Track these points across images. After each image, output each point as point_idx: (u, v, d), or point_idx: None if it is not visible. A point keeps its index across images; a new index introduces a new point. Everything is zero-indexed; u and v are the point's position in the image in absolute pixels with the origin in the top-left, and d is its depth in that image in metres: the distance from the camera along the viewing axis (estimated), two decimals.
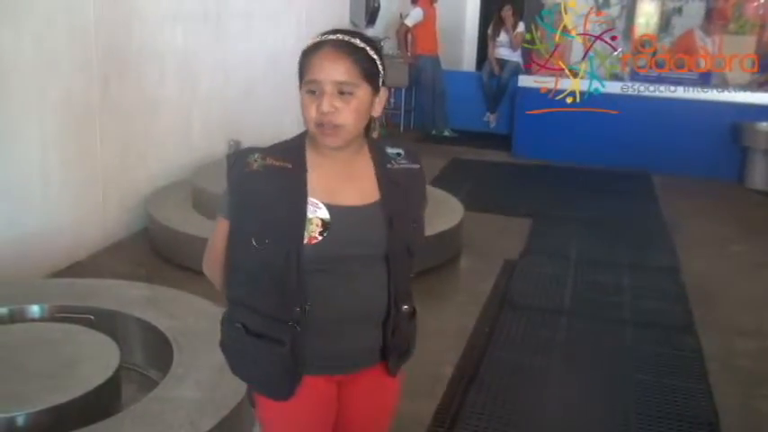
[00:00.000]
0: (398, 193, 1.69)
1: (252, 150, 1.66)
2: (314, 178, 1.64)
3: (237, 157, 1.66)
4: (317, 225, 1.60)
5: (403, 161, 1.73)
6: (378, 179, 1.69)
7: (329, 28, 1.66)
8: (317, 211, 1.61)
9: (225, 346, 1.76)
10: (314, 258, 1.60)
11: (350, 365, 1.74)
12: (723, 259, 5.28)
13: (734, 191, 7.29)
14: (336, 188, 1.65)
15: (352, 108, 1.59)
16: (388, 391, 1.84)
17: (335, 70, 1.57)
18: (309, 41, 1.63)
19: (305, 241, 1.59)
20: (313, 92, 1.58)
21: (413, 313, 1.79)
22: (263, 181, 1.61)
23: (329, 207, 1.62)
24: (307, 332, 1.63)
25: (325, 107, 1.56)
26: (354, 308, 1.67)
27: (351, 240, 1.63)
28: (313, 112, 1.58)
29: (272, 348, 1.63)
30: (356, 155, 1.69)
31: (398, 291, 1.70)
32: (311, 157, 1.66)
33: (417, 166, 1.76)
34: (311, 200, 1.62)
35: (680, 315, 4.21)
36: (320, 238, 1.60)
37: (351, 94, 1.58)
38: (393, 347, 1.73)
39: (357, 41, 1.61)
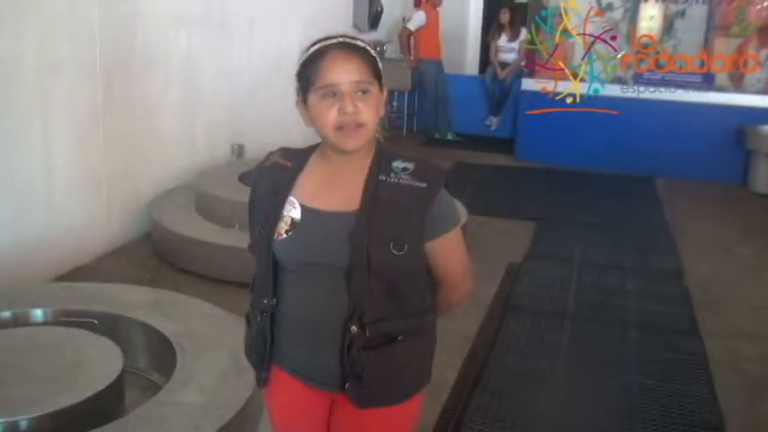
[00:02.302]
0: (380, 208, 1.57)
1: (279, 149, 1.76)
2: (304, 179, 1.67)
3: (267, 155, 1.76)
4: (286, 223, 1.63)
5: (406, 177, 1.60)
6: (363, 190, 1.60)
7: (332, 31, 1.66)
8: (292, 210, 1.64)
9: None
10: (280, 256, 1.64)
11: (320, 380, 1.68)
12: (727, 263, 5.27)
13: (738, 194, 7.29)
14: (321, 191, 1.64)
15: (372, 106, 1.58)
16: (376, 427, 1.72)
17: (350, 71, 1.55)
18: (309, 49, 1.61)
19: (275, 237, 1.63)
20: (330, 95, 1.56)
21: (385, 343, 1.61)
22: (266, 176, 1.72)
23: (304, 208, 1.63)
24: (276, 327, 1.68)
25: (350, 108, 1.54)
26: (312, 317, 1.63)
27: (312, 245, 1.61)
28: (333, 116, 1.55)
29: (249, 332, 1.76)
30: (356, 161, 1.63)
31: (355, 313, 1.57)
32: (314, 160, 1.69)
33: (423, 185, 1.59)
34: (290, 198, 1.65)
35: (684, 319, 4.20)
36: (285, 235, 1.63)
37: (368, 92, 1.58)
38: (349, 374, 1.60)
39: (359, 42, 1.62)
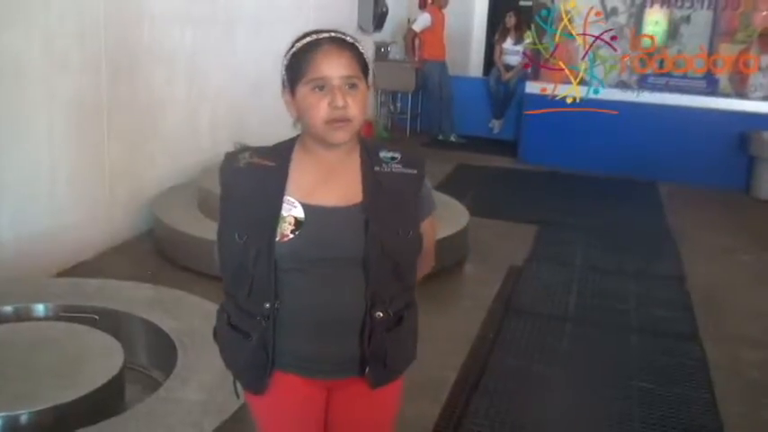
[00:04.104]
0: (383, 197, 1.64)
1: (244, 149, 1.70)
2: (295, 177, 1.65)
3: (230, 155, 1.70)
4: (290, 223, 1.61)
5: (397, 165, 1.67)
6: (362, 181, 1.65)
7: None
8: (292, 210, 1.62)
9: (215, 332, 1.82)
10: (286, 256, 1.61)
11: (328, 371, 1.71)
12: (729, 268, 5.27)
13: (740, 200, 7.28)
14: (317, 188, 1.64)
15: (359, 101, 1.60)
16: (377, 405, 1.79)
17: (341, 65, 1.58)
18: (301, 41, 1.62)
19: (277, 239, 1.60)
20: (320, 88, 1.58)
21: (397, 322, 1.70)
22: (245, 178, 1.66)
23: (305, 206, 1.62)
24: (279, 329, 1.65)
25: (340, 102, 1.56)
26: (327, 311, 1.64)
27: (324, 241, 1.61)
28: (323, 109, 1.57)
29: (243, 341, 1.69)
30: (346, 155, 1.67)
31: (376, 298, 1.64)
32: (298, 157, 1.68)
33: (413, 171, 1.69)
34: (287, 198, 1.63)
35: (685, 324, 4.20)
36: (292, 236, 1.60)
37: (356, 87, 1.60)
38: (370, 358, 1.67)
39: (348, 38, 1.64)
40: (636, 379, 3.51)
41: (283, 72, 1.65)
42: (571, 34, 6.28)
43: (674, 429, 3.11)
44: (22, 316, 3.10)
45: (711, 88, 7.89)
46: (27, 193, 4.17)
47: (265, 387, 1.71)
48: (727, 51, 7.84)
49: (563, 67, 6.42)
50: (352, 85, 1.59)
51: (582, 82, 6.34)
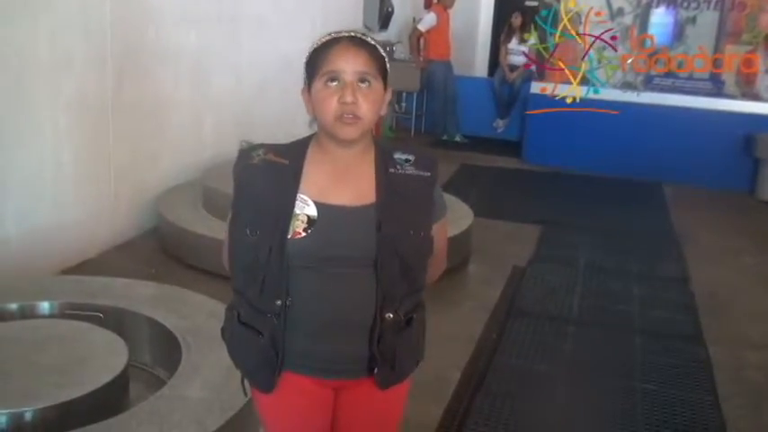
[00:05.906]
0: (396, 198, 1.65)
1: (259, 146, 1.71)
2: (309, 175, 1.66)
3: (244, 151, 1.71)
4: (303, 221, 1.61)
5: (410, 168, 1.68)
6: (376, 182, 1.66)
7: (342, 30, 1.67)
8: (305, 208, 1.62)
9: (223, 331, 1.83)
10: (297, 254, 1.61)
11: (337, 371, 1.71)
12: (733, 270, 5.26)
13: (745, 202, 7.27)
14: (331, 187, 1.65)
15: (371, 100, 1.60)
16: (384, 406, 1.79)
17: (357, 61, 1.58)
18: (320, 40, 1.64)
19: (289, 236, 1.61)
20: (332, 82, 1.58)
21: (407, 323, 1.71)
22: (259, 174, 1.66)
23: (318, 204, 1.62)
24: (289, 328, 1.65)
25: (349, 97, 1.57)
26: (337, 311, 1.65)
27: (336, 240, 1.62)
28: (333, 104, 1.58)
29: (254, 339, 1.69)
30: (360, 155, 1.67)
31: (386, 299, 1.64)
32: (312, 155, 1.68)
33: (427, 174, 1.69)
34: (300, 196, 1.63)
35: (689, 325, 4.19)
36: (304, 234, 1.61)
37: (370, 85, 1.60)
38: (379, 359, 1.67)
39: (369, 39, 1.64)
40: (639, 380, 3.51)
41: (303, 70, 1.66)
42: (571, 34, 6.27)
43: (676, 431, 3.11)
44: (27, 314, 3.11)
45: (717, 89, 7.88)
46: (32, 191, 4.18)
47: (274, 385, 1.71)
48: (732, 53, 7.83)
49: (562, 66, 6.41)
50: (365, 81, 1.59)
51: (582, 82, 6.33)
